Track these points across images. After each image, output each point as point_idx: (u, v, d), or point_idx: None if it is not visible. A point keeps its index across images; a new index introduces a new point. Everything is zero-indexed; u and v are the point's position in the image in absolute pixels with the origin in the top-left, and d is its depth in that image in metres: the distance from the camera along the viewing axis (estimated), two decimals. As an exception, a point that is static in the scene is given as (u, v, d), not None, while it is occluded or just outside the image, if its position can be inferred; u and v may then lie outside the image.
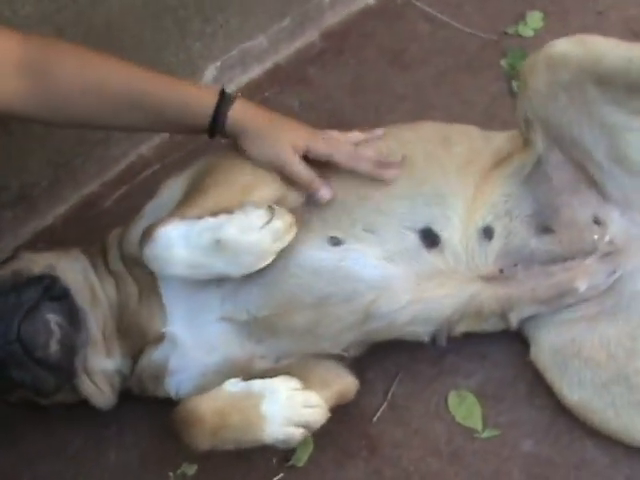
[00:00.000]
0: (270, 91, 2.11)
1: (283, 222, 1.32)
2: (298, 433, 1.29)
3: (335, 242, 1.39)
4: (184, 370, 1.44)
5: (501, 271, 1.44)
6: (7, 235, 1.86)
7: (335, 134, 1.52)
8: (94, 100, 1.40)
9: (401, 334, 1.47)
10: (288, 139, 1.42)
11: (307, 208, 1.43)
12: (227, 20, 1.99)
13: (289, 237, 1.33)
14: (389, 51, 2.16)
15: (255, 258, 1.30)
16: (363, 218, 1.41)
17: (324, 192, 1.42)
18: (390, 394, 1.56)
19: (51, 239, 1.91)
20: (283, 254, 1.36)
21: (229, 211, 1.31)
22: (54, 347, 1.36)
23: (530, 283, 1.44)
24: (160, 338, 1.43)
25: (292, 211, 1.38)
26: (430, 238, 1.41)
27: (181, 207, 1.37)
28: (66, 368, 1.39)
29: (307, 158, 1.44)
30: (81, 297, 1.43)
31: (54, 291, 1.40)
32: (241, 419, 1.28)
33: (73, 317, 1.40)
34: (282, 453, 1.50)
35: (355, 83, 2.11)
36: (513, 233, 1.43)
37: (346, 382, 1.47)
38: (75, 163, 1.89)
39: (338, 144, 1.47)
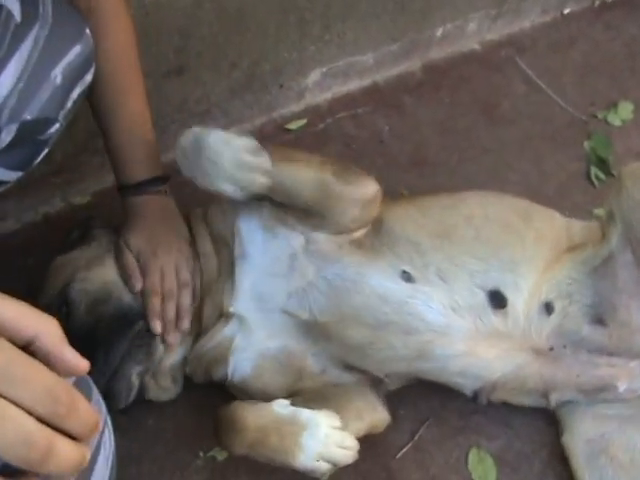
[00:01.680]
0: (363, 108, 2.16)
1: (253, 159, 1.33)
2: (325, 467, 1.33)
3: (407, 278, 1.43)
4: (246, 349, 1.48)
5: (551, 349, 1.48)
6: (91, 180, 1.91)
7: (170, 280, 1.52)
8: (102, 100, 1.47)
9: (447, 381, 1.52)
10: (176, 249, 1.51)
11: (377, 238, 1.47)
12: (344, 31, 2.04)
13: (252, 180, 1.34)
14: (483, 101, 2.23)
15: (211, 170, 1.34)
16: (436, 264, 1.45)
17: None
18: (417, 436, 1.61)
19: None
20: (357, 270, 1.41)
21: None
22: (134, 392, 1.44)
23: (575, 368, 1.49)
24: (229, 315, 1.48)
25: (343, 239, 1.43)
26: (498, 300, 1.45)
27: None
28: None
29: None
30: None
31: (140, 337, 1.45)
32: (279, 442, 1.32)
33: (151, 352, 1.47)
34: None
35: (445, 123, 2.16)
36: (569, 316, 1.48)
37: (379, 416, 1.52)
38: (171, 127, 1.93)
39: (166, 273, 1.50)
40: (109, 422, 0.93)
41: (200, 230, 1.56)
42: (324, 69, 2.10)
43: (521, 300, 1.46)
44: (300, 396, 1.47)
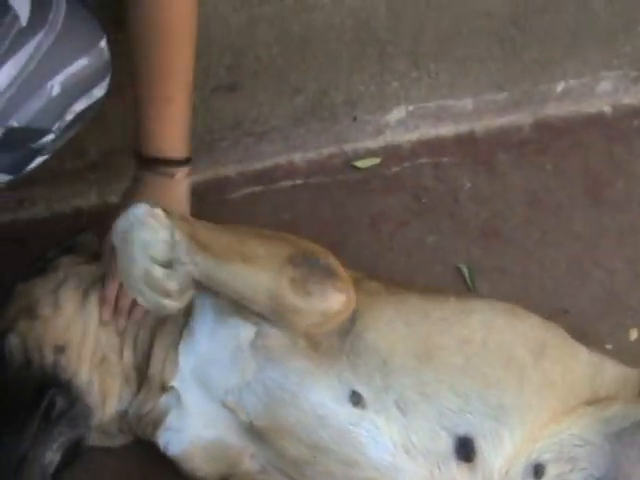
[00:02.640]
0: (450, 158, 1.93)
1: (161, 278, 1.16)
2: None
3: (356, 401, 1.24)
4: (178, 431, 1.36)
5: None
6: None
7: None
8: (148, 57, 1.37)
9: None
10: None
11: (341, 339, 1.27)
12: (437, 72, 1.84)
13: (156, 299, 1.17)
14: (593, 176, 1.92)
15: (124, 273, 1.20)
16: (400, 390, 1.24)
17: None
18: None
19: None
20: (300, 380, 1.24)
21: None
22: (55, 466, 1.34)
23: None
24: (168, 389, 1.36)
25: (299, 336, 1.26)
26: (466, 451, 1.23)
27: (187, 217, 1.33)
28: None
29: None
30: (87, 379, 1.36)
31: (57, 410, 1.34)
32: None
33: (77, 419, 1.36)
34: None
35: (538, 194, 1.89)
36: None
37: None
38: (221, 144, 1.82)
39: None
40: None
41: None
42: (410, 107, 1.89)
43: (500, 456, 1.23)
44: None
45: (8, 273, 1.52)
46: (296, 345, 1.26)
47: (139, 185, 1.44)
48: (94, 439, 1.42)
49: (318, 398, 1.25)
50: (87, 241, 1.57)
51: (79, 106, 1.28)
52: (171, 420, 1.36)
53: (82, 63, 1.24)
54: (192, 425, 1.35)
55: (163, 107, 1.40)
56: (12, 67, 1.19)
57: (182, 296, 1.19)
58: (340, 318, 1.26)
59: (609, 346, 1.63)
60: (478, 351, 1.29)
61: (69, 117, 1.27)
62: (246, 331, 1.28)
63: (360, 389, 1.25)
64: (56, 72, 1.23)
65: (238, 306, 1.27)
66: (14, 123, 1.21)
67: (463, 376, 1.26)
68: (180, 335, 1.34)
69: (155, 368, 1.36)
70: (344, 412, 1.25)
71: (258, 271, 1.23)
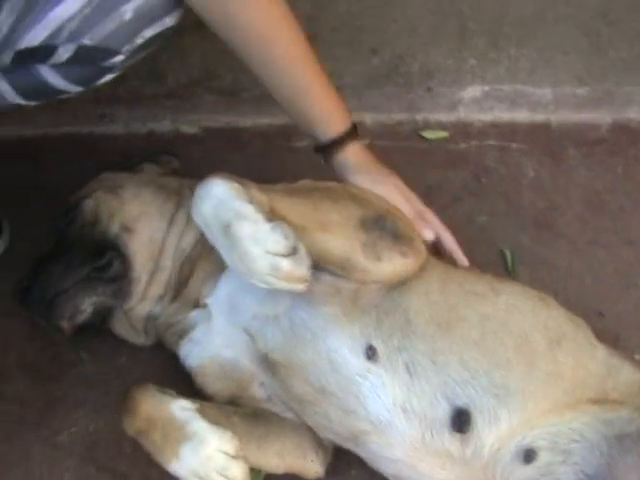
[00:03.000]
0: (519, 144, 1.94)
1: (290, 268, 1.19)
2: None
3: (370, 355, 1.27)
4: (200, 344, 1.43)
5: None
6: (202, 114, 1.93)
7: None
8: (258, 51, 1.37)
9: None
10: (394, 183, 1.48)
11: (378, 295, 1.30)
12: (518, 57, 1.84)
13: (286, 286, 1.20)
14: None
15: (243, 268, 1.21)
16: (413, 352, 1.26)
17: (426, 233, 1.42)
18: None
19: (234, 140, 1.93)
20: (324, 324, 1.28)
21: (271, 219, 1.22)
22: (81, 318, 1.44)
23: None
24: (202, 305, 1.43)
25: (362, 288, 1.29)
26: (461, 422, 1.24)
27: (262, 188, 1.31)
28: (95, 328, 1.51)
29: None
30: (141, 267, 1.45)
31: (109, 272, 1.44)
32: (161, 441, 1.26)
33: (120, 292, 1.45)
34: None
35: (600, 195, 1.87)
36: (554, 476, 1.23)
37: (305, 465, 1.39)
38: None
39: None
40: None
41: None
42: (486, 88, 1.91)
43: (493, 434, 1.23)
44: (236, 406, 1.40)
45: (79, 178, 1.59)
46: (338, 293, 1.30)
47: (349, 164, 1.46)
48: (120, 329, 1.53)
49: (336, 344, 1.28)
50: (167, 160, 1.69)
51: (149, 32, 1.33)
52: (197, 334, 1.43)
53: None
54: (214, 342, 1.41)
55: (320, 88, 1.43)
56: None
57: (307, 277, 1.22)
58: (402, 279, 1.31)
59: (638, 356, 1.61)
60: (496, 329, 1.30)
61: (139, 41, 1.33)
62: None
63: (377, 344, 1.27)
64: None
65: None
66: (87, 41, 1.29)
67: (475, 351, 1.27)
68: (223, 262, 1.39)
69: (194, 283, 1.43)
70: (356, 362, 1.28)
71: (334, 238, 1.28)
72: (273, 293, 1.31)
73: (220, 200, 1.23)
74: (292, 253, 1.19)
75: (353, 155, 1.45)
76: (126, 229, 1.47)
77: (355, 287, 1.30)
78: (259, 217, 1.20)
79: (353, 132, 1.45)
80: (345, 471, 1.46)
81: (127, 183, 1.53)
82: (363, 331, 1.28)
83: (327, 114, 1.43)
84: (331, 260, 1.28)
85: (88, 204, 1.50)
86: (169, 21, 1.35)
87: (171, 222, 1.49)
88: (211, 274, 1.42)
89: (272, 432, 1.38)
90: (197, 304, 1.43)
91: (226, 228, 1.21)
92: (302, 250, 1.21)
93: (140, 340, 1.56)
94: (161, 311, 1.49)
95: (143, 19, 1.31)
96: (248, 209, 1.21)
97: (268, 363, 1.34)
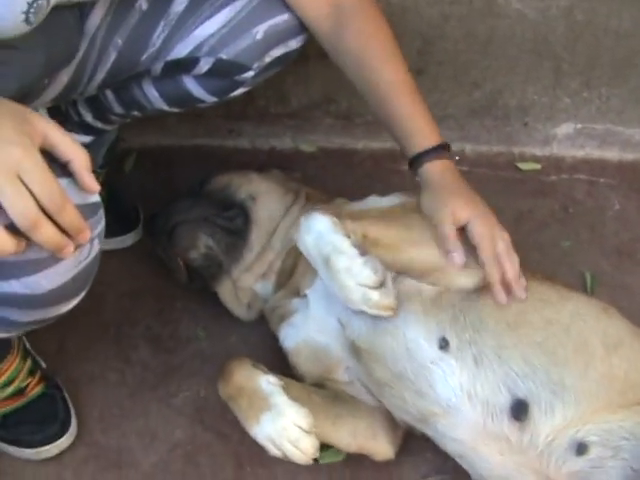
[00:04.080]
0: (607, 180, 2.07)
1: (378, 299, 1.36)
2: (274, 451, 1.41)
3: (443, 345, 1.41)
4: (297, 328, 1.61)
5: None
6: (320, 134, 2.14)
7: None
8: (358, 74, 1.53)
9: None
10: (453, 204, 1.44)
11: (461, 299, 1.44)
12: (609, 97, 1.98)
13: (377, 312, 1.37)
14: None
15: (342, 296, 1.38)
16: (482, 347, 1.40)
17: (457, 257, 1.43)
18: None
19: (347, 160, 2.13)
20: (405, 317, 1.43)
21: (365, 251, 1.38)
22: (194, 256, 1.67)
23: None
24: (302, 294, 1.62)
25: (445, 291, 1.44)
26: (519, 411, 1.36)
27: (354, 215, 1.49)
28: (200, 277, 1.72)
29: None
30: (257, 236, 1.69)
31: (233, 223, 1.69)
32: (246, 407, 1.43)
33: (233, 252, 1.68)
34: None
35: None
36: (604, 469, 1.33)
37: (376, 446, 1.55)
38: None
39: (495, 236, 1.44)
40: (96, 245, 1.18)
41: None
42: (579, 125, 2.05)
43: (549, 425, 1.35)
44: (321, 387, 1.58)
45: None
46: (419, 294, 1.45)
47: (435, 181, 1.50)
48: (225, 297, 1.74)
49: (413, 335, 1.43)
50: (291, 171, 1.94)
51: (276, 52, 1.54)
52: (296, 319, 1.62)
53: (283, 18, 1.50)
54: (309, 327, 1.59)
55: (411, 102, 1.52)
56: (229, 11, 1.48)
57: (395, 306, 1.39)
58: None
59: None
60: (558, 333, 1.41)
61: (267, 60, 1.54)
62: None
63: (450, 337, 1.41)
64: (261, 21, 1.49)
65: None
66: (223, 56, 1.51)
67: (537, 350, 1.39)
68: None
69: (297, 275, 1.64)
70: (430, 351, 1.42)
71: (424, 250, 1.44)
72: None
73: (320, 234, 1.41)
74: (381, 286, 1.37)
75: (430, 171, 1.50)
76: (251, 198, 1.71)
77: (438, 290, 1.45)
78: (354, 252, 1.37)
79: (441, 149, 1.51)
80: (417, 453, 1.62)
81: (256, 174, 1.79)
82: (439, 325, 1.42)
83: (419, 131, 1.52)
84: (424, 270, 1.45)
85: (221, 177, 1.77)
86: (294, 44, 1.55)
87: (286, 211, 1.72)
88: (310, 270, 1.57)
89: (347, 413, 1.55)
90: (298, 293, 1.62)
91: (326, 260, 1.39)
92: (389, 282, 1.38)
93: (242, 313, 1.77)
94: (268, 294, 1.71)
95: (272, 40, 1.52)
96: (344, 244, 1.38)
97: (354, 349, 1.50)
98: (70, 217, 1.04)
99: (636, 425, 1.35)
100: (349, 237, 1.39)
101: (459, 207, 1.44)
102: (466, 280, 1.44)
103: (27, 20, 1.15)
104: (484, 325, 1.41)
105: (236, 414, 1.45)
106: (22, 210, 0.99)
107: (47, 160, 1.02)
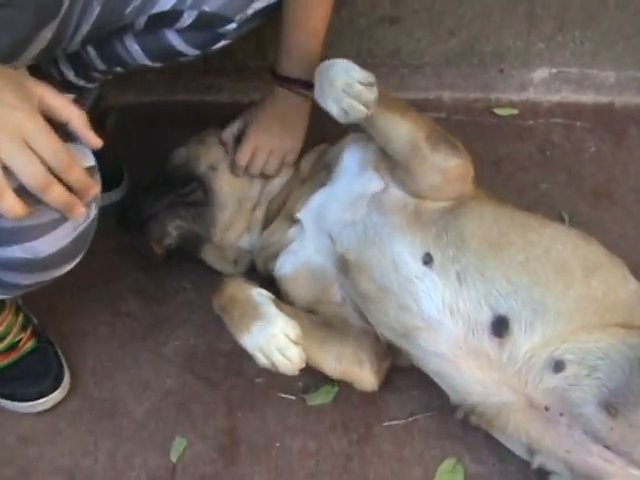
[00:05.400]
0: (583, 122, 2.11)
1: (360, 89, 1.41)
2: (263, 362, 1.44)
3: (426, 261, 1.47)
4: (295, 253, 1.66)
5: (546, 409, 1.41)
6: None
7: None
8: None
9: (428, 375, 1.55)
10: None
11: (439, 216, 1.51)
12: (582, 41, 2.01)
13: (355, 106, 1.42)
14: None
15: (328, 88, 1.44)
16: (466, 265, 1.45)
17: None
18: (413, 418, 1.65)
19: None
20: (391, 231, 1.49)
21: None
22: (169, 241, 1.72)
23: (566, 443, 1.41)
24: (295, 220, 1.67)
25: (425, 207, 1.51)
26: (500, 328, 1.41)
27: None
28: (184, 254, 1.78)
29: None
30: (223, 197, 1.73)
31: (191, 197, 1.73)
32: (238, 317, 1.46)
33: (203, 218, 1.72)
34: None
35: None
36: (579, 387, 1.39)
37: (360, 373, 1.59)
38: (381, 70, 2.07)
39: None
40: (94, 209, 1.24)
41: (311, 153, 1.77)
42: (554, 70, 2.08)
43: (528, 342, 1.40)
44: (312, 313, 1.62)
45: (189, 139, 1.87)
46: (404, 207, 1.52)
47: (273, 97, 1.73)
48: (210, 259, 1.79)
49: (399, 248, 1.49)
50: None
51: (259, 4, 1.56)
52: (293, 246, 1.67)
53: None
54: (307, 249, 1.65)
55: (305, 36, 1.66)
56: None
57: (372, 106, 1.44)
58: (455, 189, 1.52)
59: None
60: (539, 254, 1.47)
61: (250, 12, 1.56)
62: (375, 185, 1.56)
63: (434, 253, 1.47)
64: None
65: (377, 165, 1.57)
66: (207, 8, 1.53)
67: (519, 270, 1.44)
68: (320, 183, 1.66)
69: (290, 205, 1.69)
70: (414, 266, 1.48)
71: (408, 124, 1.50)
72: (354, 203, 1.57)
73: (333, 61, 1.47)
74: (369, 85, 1.43)
75: (279, 99, 1.71)
76: (212, 168, 1.75)
77: (418, 202, 1.51)
78: (354, 65, 1.44)
79: (300, 85, 1.68)
80: (404, 391, 1.67)
81: (214, 131, 1.81)
82: (423, 241, 1.48)
83: (297, 59, 1.67)
84: (399, 142, 1.51)
85: (180, 151, 1.80)
86: None
87: None
88: (302, 196, 1.67)
89: (334, 338, 1.59)
90: (292, 220, 1.68)
91: (328, 66, 1.46)
92: (375, 88, 1.43)
93: (229, 269, 1.81)
94: (253, 242, 1.75)
95: None
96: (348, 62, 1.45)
97: (343, 263, 1.56)
98: (77, 175, 1.08)
99: (610, 346, 1.40)
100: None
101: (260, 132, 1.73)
102: (439, 162, 1.50)
103: None
104: (467, 244, 1.47)
105: (228, 325, 1.48)
106: (33, 173, 1.02)
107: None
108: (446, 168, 1.50)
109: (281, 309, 1.47)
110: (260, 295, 1.49)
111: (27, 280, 1.30)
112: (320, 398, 1.67)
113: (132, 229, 1.76)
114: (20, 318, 1.64)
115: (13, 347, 1.63)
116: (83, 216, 1.17)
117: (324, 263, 1.62)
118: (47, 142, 1.03)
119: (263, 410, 1.66)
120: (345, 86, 1.43)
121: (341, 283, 1.60)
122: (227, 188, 1.74)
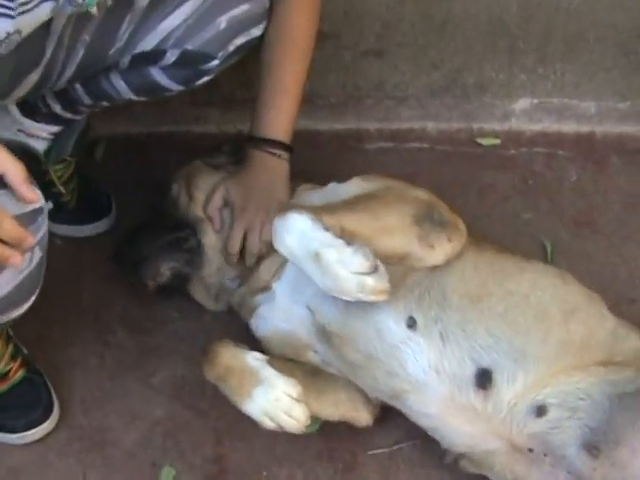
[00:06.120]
0: (565, 152, 2.15)
1: (374, 284, 1.36)
2: (270, 424, 1.46)
3: (410, 324, 1.47)
4: (265, 319, 1.67)
5: (530, 450, 1.44)
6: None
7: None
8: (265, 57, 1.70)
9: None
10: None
11: (424, 275, 1.51)
12: (563, 73, 2.06)
13: (373, 298, 1.38)
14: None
15: (335, 288, 1.39)
16: (447, 323, 1.47)
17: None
18: (398, 447, 1.68)
19: (312, 141, 2.16)
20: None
21: (349, 241, 1.39)
22: (162, 279, 1.73)
23: None
24: (267, 287, 1.66)
25: (411, 273, 1.50)
26: (484, 380, 1.44)
27: (327, 209, 1.50)
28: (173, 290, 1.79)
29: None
30: (210, 253, 1.73)
31: (187, 244, 1.73)
32: (237, 385, 1.48)
33: (193, 265, 1.74)
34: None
35: (638, 198, 2.06)
36: (562, 429, 1.41)
37: (357, 415, 1.62)
38: (366, 102, 2.14)
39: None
40: (38, 252, 1.24)
41: None
42: (535, 101, 2.13)
43: (511, 391, 1.43)
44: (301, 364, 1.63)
45: (178, 170, 1.87)
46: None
47: (250, 161, 1.73)
48: (195, 294, 1.80)
49: (382, 317, 1.49)
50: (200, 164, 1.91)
51: (239, 40, 1.61)
52: (263, 310, 1.67)
53: (245, 7, 1.57)
54: (276, 317, 1.64)
55: (279, 97, 1.71)
56: (193, 3, 1.53)
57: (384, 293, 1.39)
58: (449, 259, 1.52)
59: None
60: (518, 302, 1.49)
61: (231, 48, 1.60)
62: None
63: (417, 316, 1.48)
64: (224, 12, 1.55)
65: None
66: (189, 47, 1.57)
67: (499, 321, 1.47)
68: None
69: (264, 272, 1.67)
70: (398, 331, 1.48)
71: (395, 238, 1.48)
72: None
73: (302, 232, 1.42)
74: (374, 271, 1.37)
75: (258, 162, 1.72)
76: (200, 220, 1.74)
77: (404, 270, 1.50)
78: (340, 242, 1.39)
79: (276, 146, 1.71)
80: (389, 419, 1.66)
81: (208, 179, 1.78)
82: (406, 306, 1.49)
83: (272, 120, 1.72)
84: (395, 257, 1.49)
85: (174, 189, 1.80)
86: (256, 31, 1.62)
87: None
88: (277, 264, 1.65)
89: (328, 386, 1.61)
90: (265, 288, 1.66)
91: (314, 256, 1.39)
92: (381, 266, 1.38)
93: (211, 305, 1.82)
94: (233, 289, 1.75)
95: (235, 29, 1.58)
96: (328, 237, 1.40)
97: (324, 334, 1.56)
98: (8, 230, 1.09)
99: (591, 386, 1.43)
100: (329, 230, 1.41)
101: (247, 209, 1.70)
102: (436, 258, 1.50)
103: None
104: (448, 302, 1.48)
105: (226, 393, 1.50)
106: None
107: None
108: (444, 256, 1.51)
109: (277, 368, 1.48)
110: (255, 360, 1.50)
111: None
112: (306, 427, 1.70)
113: (127, 265, 1.77)
114: (10, 348, 1.65)
115: (3, 377, 1.64)
116: (24, 263, 1.19)
117: (293, 330, 1.62)
118: None
119: (251, 439, 1.67)
120: (356, 286, 1.37)
121: (320, 350, 1.61)
122: (213, 244, 1.74)
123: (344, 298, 1.40)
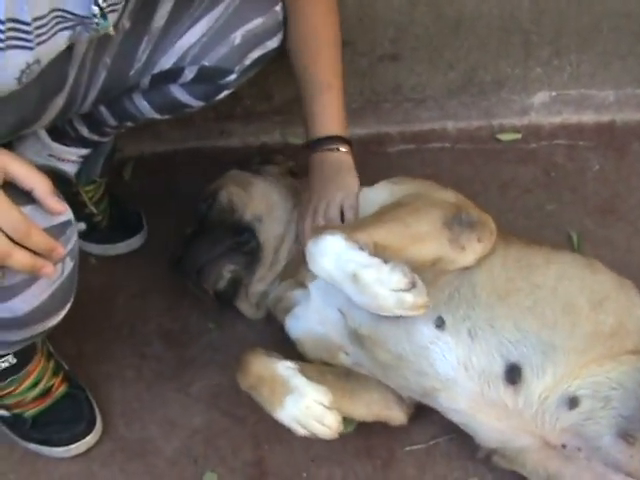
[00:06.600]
0: (586, 142, 2.16)
1: (413, 300, 1.37)
2: (302, 431, 1.49)
3: (439, 324, 1.48)
4: (299, 319, 1.70)
5: (563, 446, 1.45)
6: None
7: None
8: (296, 62, 1.71)
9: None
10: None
11: (456, 276, 1.52)
12: (579, 64, 2.07)
13: (412, 313, 1.39)
14: None
15: (374, 306, 1.40)
16: (476, 320, 1.47)
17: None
18: (434, 442, 1.70)
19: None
20: None
21: (385, 257, 1.40)
22: (222, 285, 1.77)
23: (587, 476, 1.44)
24: (304, 286, 1.69)
25: (442, 274, 1.51)
26: (513, 375, 1.44)
27: (358, 225, 1.54)
28: (227, 297, 1.82)
29: None
30: (267, 251, 1.77)
31: (247, 247, 1.77)
32: (269, 394, 1.51)
33: (250, 267, 1.77)
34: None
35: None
36: (595, 420, 1.41)
37: (390, 414, 1.64)
38: (385, 106, 2.18)
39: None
40: (69, 262, 1.27)
41: None
42: (553, 93, 2.14)
43: (541, 385, 1.43)
44: (332, 367, 1.66)
45: (205, 185, 1.93)
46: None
47: (313, 164, 1.73)
48: (241, 302, 1.83)
49: (412, 319, 1.48)
50: (282, 160, 2.00)
51: (255, 54, 1.63)
52: (298, 311, 1.70)
53: (259, 21, 1.59)
54: (310, 319, 1.67)
55: (323, 94, 1.71)
56: (207, 21, 1.56)
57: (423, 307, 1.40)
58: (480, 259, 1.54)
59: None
60: (546, 296, 1.50)
61: (247, 62, 1.63)
62: None
63: (445, 316, 1.49)
64: (238, 27, 1.58)
65: None
66: (206, 63, 1.60)
67: (527, 315, 1.47)
68: None
69: (302, 271, 1.68)
70: (427, 332, 1.49)
71: (427, 245, 1.50)
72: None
73: (338, 255, 1.42)
74: (412, 287, 1.38)
75: (320, 163, 1.72)
76: (257, 219, 1.79)
77: (435, 273, 1.51)
78: (376, 261, 1.39)
79: (331, 142, 1.71)
80: (425, 416, 1.68)
81: (255, 182, 1.84)
82: (435, 307, 1.48)
83: (318, 117, 1.72)
84: (428, 263, 1.50)
85: (223, 195, 1.83)
86: (271, 44, 1.64)
87: (290, 220, 1.79)
88: None
89: (361, 387, 1.63)
90: (301, 285, 1.69)
91: (352, 277, 1.40)
92: (419, 281, 1.39)
93: (252, 313, 1.85)
94: (272, 290, 1.78)
95: (250, 43, 1.60)
96: (364, 257, 1.40)
97: (356, 337, 1.57)
98: (37, 240, 1.12)
99: (622, 374, 1.43)
100: (364, 249, 1.42)
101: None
102: (467, 259, 1.52)
103: (19, 82, 1.24)
104: (477, 299, 1.49)
105: (259, 402, 1.53)
106: None
107: (12, 190, 1.10)
108: (475, 257, 1.52)
109: (307, 374, 1.51)
110: (286, 368, 1.52)
111: (16, 336, 1.36)
112: (343, 427, 1.72)
113: (189, 273, 1.80)
114: (51, 364, 1.70)
115: (46, 392, 1.69)
116: (55, 274, 1.21)
117: (327, 333, 1.64)
118: (2, 211, 1.06)
119: (289, 441, 1.70)
120: (396, 303, 1.38)
121: (351, 352, 1.63)
122: (269, 241, 1.78)
123: (383, 314, 1.42)
